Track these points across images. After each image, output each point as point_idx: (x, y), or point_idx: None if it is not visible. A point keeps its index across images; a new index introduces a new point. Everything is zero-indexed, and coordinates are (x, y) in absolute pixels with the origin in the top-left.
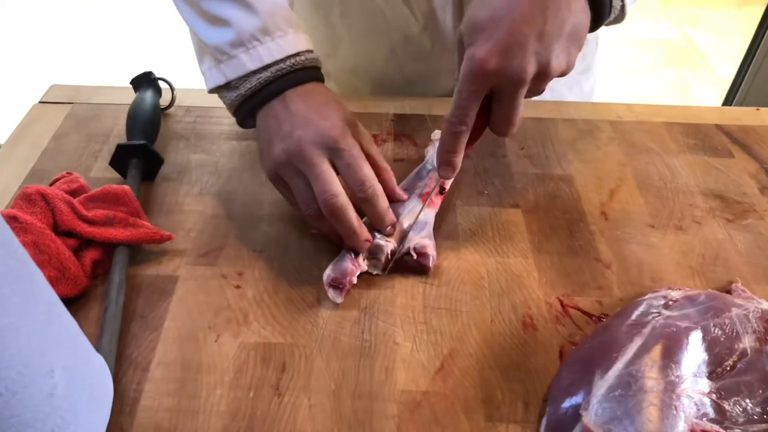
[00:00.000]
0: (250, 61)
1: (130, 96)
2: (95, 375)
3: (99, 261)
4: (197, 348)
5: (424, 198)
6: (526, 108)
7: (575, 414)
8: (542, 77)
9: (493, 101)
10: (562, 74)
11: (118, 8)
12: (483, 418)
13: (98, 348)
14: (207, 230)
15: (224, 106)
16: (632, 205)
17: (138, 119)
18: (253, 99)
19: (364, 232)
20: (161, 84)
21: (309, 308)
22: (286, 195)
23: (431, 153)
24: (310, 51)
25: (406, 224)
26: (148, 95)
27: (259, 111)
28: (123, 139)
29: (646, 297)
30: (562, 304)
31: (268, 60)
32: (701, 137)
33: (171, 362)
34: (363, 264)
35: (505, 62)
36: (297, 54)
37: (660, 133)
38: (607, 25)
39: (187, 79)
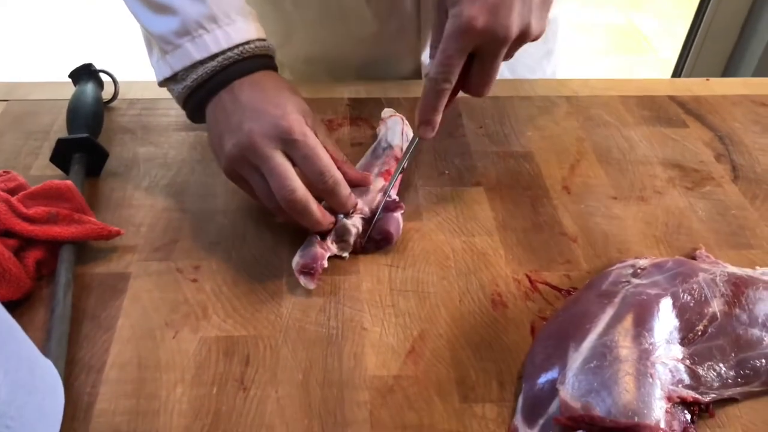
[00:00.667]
0: (195, 50)
1: (70, 91)
2: (43, 379)
3: (43, 261)
4: (154, 346)
5: (385, 176)
6: None
7: (552, 389)
8: (522, 39)
9: (475, 60)
10: (536, 38)
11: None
12: (458, 400)
13: (46, 352)
14: (159, 224)
15: (171, 97)
16: (593, 178)
17: (79, 112)
18: (200, 90)
19: (327, 218)
20: (103, 77)
21: (271, 298)
22: (247, 190)
23: (383, 131)
24: (262, 39)
25: (370, 205)
26: (89, 88)
27: (208, 104)
28: (64, 135)
29: (614, 267)
30: (530, 280)
31: (214, 49)
32: (656, 109)
33: (126, 362)
34: (332, 247)
35: (493, 20)
36: (246, 42)
37: (616, 106)
38: None
39: (130, 71)
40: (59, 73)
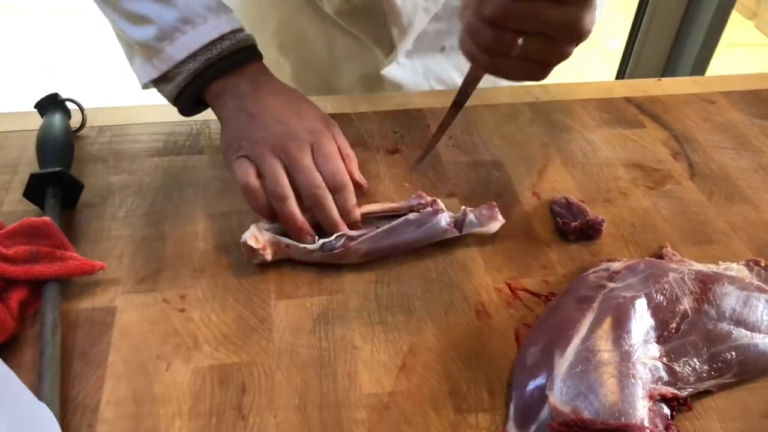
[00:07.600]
0: (176, 52)
1: (36, 121)
2: (42, 426)
3: (27, 301)
4: (148, 380)
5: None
6: (446, 98)
7: (541, 395)
8: None
9: None
10: None
11: (12, 30)
12: (452, 411)
13: (40, 395)
14: (140, 254)
15: (140, 122)
16: (561, 182)
17: (49, 144)
18: (188, 88)
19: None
20: (69, 105)
21: (261, 323)
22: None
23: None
24: (237, 30)
25: None
26: (57, 118)
27: (206, 96)
28: (34, 168)
29: (589, 271)
30: (510, 288)
31: (193, 48)
32: (614, 111)
33: (121, 399)
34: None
35: None
36: (220, 38)
37: (576, 110)
38: None
39: (96, 98)
40: (20, 102)
